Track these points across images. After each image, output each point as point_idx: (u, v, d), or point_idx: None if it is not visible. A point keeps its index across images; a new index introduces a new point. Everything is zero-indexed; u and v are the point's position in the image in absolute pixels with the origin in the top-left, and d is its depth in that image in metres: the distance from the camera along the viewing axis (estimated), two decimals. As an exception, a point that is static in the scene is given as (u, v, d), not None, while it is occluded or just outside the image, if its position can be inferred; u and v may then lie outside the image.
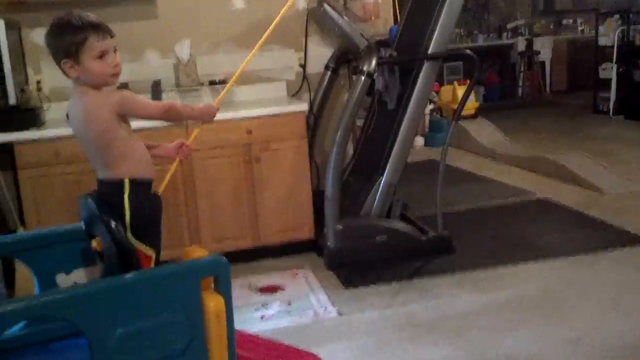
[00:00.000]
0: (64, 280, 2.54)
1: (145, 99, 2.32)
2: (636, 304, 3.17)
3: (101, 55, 2.12)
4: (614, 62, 8.45)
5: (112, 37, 2.17)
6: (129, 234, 2.20)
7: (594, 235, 4.18)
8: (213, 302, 2.02)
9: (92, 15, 2.15)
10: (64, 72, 2.14)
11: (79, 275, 2.57)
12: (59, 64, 2.14)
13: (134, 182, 2.23)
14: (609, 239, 4.06)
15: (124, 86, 4.00)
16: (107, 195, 2.23)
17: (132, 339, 1.85)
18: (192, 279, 2.02)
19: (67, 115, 2.33)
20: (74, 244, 2.58)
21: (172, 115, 2.35)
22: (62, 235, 2.60)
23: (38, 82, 4.11)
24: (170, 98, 4.25)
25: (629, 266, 3.65)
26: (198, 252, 2.22)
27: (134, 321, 1.94)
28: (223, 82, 4.30)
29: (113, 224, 2.15)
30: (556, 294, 3.35)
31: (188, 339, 1.92)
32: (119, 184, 2.21)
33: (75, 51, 2.09)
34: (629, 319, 3.02)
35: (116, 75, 2.19)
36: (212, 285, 2.09)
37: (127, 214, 2.20)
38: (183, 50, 4.28)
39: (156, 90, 4.08)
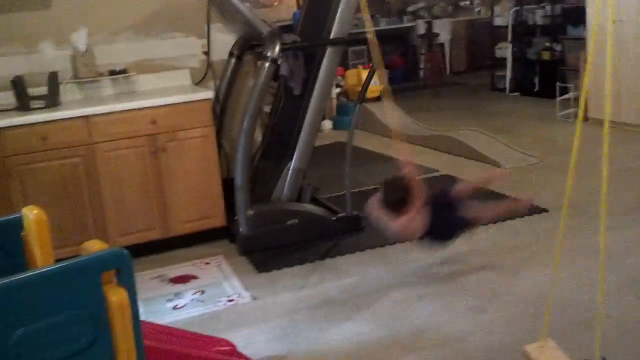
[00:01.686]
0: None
1: None
2: (534, 270, 3.37)
3: None
4: (509, 41, 8.83)
5: None
6: None
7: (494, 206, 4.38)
8: (116, 296, 1.99)
9: None
10: None
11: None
12: None
13: None
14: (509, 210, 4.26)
15: (19, 79, 3.85)
16: None
17: (34, 339, 1.80)
18: (92, 273, 1.99)
19: None
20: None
21: None
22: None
23: None
24: (69, 90, 4.12)
25: (526, 234, 3.86)
26: (97, 246, 2.18)
27: (34, 320, 1.89)
28: (123, 71, 4.20)
29: None
30: (460, 265, 3.51)
31: (92, 335, 1.89)
32: None
33: None
34: (529, 284, 3.21)
35: None
36: (115, 278, 2.06)
37: None
38: (80, 39, 4.13)
39: (52, 82, 3.93)
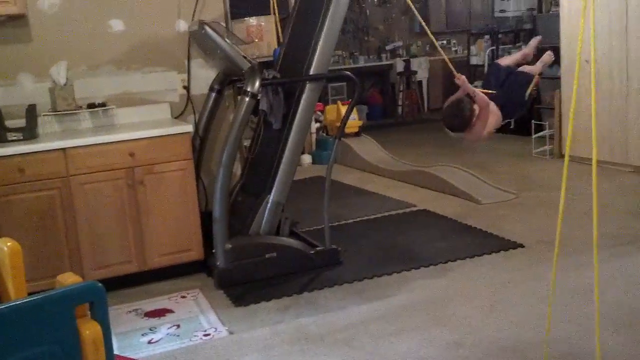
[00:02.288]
0: None
1: None
2: (512, 304, 3.39)
3: None
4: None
5: None
6: None
7: (471, 242, 4.42)
8: (89, 330, 1.97)
9: None
10: None
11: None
12: None
13: None
14: (485, 245, 4.31)
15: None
16: None
17: (6, 373, 1.77)
18: (65, 306, 1.96)
19: None
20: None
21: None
22: None
23: None
24: (47, 122, 4.11)
25: (504, 269, 3.89)
26: (71, 279, 2.16)
27: (6, 355, 1.85)
28: (102, 105, 4.21)
29: None
30: (438, 299, 3.51)
31: (65, 370, 1.86)
32: None
33: None
34: (505, 319, 3.22)
35: None
36: (89, 312, 2.04)
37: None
38: (59, 73, 4.14)
39: (31, 115, 3.92)
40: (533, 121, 7.34)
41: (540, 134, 7.11)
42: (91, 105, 4.20)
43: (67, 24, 4.17)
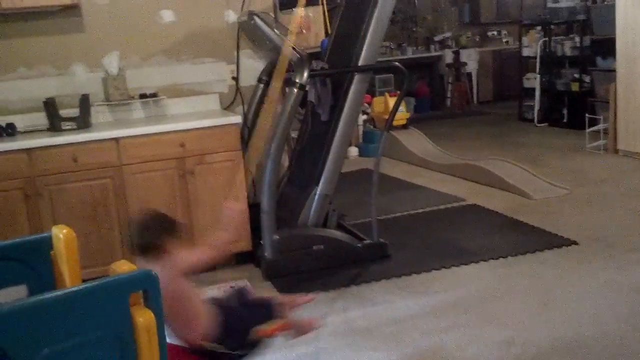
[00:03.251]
0: (-14, 300, 2.45)
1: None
2: (565, 302, 3.30)
3: None
4: (537, 72, 8.79)
5: None
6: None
7: (522, 238, 4.32)
8: (143, 317, 1.98)
9: None
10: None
11: (4, 295, 2.48)
12: None
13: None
14: (536, 242, 4.20)
15: (51, 101, 3.92)
16: None
17: (60, 359, 1.79)
18: (119, 294, 1.98)
19: None
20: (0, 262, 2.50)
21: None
22: (-14, 254, 2.51)
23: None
24: (100, 112, 4.17)
25: (556, 267, 3.79)
26: (126, 267, 2.18)
27: (60, 340, 1.88)
28: (153, 95, 4.25)
29: None
30: (488, 296, 3.44)
31: (118, 356, 1.88)
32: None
33: None
34: (557, 318, 3.14)
35: None
36: (142, 300, 2.06)
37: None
38: (112, 63, 4.20)
39: (84, 105, 3.99)
40: (587, 114, 7.15)
41: (594, 128, 6.91)
42: (143, 96, 4.25)
43: (119, 14, 4.23)
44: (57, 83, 4.12)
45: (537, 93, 8.81)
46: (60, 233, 2.42)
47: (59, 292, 2.11)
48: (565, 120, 8.40)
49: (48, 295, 1.95)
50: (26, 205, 3.61)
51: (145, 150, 3.77)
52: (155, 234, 2.38)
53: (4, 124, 3.89)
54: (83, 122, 3.94)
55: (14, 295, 2.47)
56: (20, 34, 4.05)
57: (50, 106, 3.92)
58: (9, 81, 4.06)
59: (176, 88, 4.35)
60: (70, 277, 2.34)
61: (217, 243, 2.51)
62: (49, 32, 4.10)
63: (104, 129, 3.88)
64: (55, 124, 3.89)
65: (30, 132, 3.93)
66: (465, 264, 3.90)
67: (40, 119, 4.02)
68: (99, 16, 4.19)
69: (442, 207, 5.26)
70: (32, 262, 2.54)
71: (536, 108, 8.85)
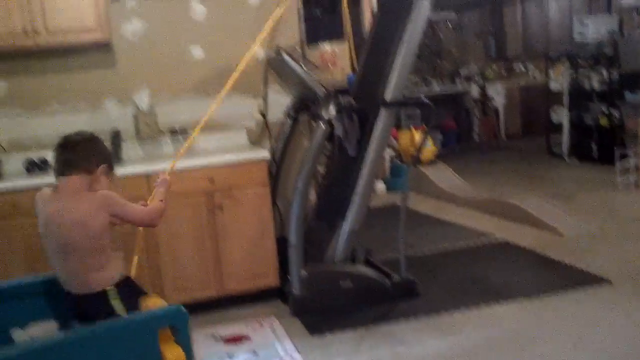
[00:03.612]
0: (19, 335, 2.47)
1: (131, 204, 2.41)
2: (598, 343, 3.21)
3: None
4: (565, 106, 8.72)
5: None
6: None
7: (554, 276, 4.24)
8: (172, 354, 1.98)
9: None
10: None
11: (35, 330, 2.50)
12: None
13: (119, 285, 2.34)
14: (568, 280, 4.12)
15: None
16: (91, 310, 2.32)
17: (91, 394, 1.79)
18: (149, 330, 1.98)
19: None
20: (31, 298, 2.53)
21: (156, 215, 2.50)
22: (18, 289, 2.54)
23: (-5, 134, 4.05)
24: (130, 147, 4.21)
25: (589, 306, 3.70)
26: (157, 302, 2.18)
27: (90, 376, 1.88)
28: (184, 131, 4.29)
29: None
30: (521, 336, 3.37)
31: (148, 392, 1.87)
32: (103, 295, 2.32)
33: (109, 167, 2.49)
34: (591, 359, 3.05)
35: None
36: (172, 336, 2.05)
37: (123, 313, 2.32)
38: (142, 99, 4.27)
39: (116, 140, 4.04)
40: (616, 149, 7.05)
41: (625, 163, 6.80)
42: (172, 131, 4.29)
43: (149, 51, 4.30)
44: (89, 118, 4.18)
45: (566, 127, 8.72)
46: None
47: (89, 328, 2.12)
48: (594, 155, 8.30)
49: (78, 331, 1.95)
50: (56, 239, 3.63)
51: (175, 185, 3.75)
52: (87, 152, 2.38)
53: (37, 159, 3.95)
54: (114, 157, 3.98)
55: (45, 330, 2.49)
56: (54, 70, 4.14)
57: (82, 141, 3.97)
58: (42, 116, 4.14)
59: (205, 124, 4.38)
60: (100, 313, 2.34)
61: (149, 205, 2.54)
62: (81, 69, 4.18)
63: (135, 163, 3.91)
64: (86, 159, 3.93)
65: (62, 166, 3.98)
66: (496, 303, 3.82)
67: (72, 153, 4.08)
68: (130, 53, 4.26)
69: (471, 243, 5.19)
70: (63, 298, 2.55)
71: (565, 142, 8.76)
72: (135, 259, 2.84)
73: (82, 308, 2.35)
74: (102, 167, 2.37)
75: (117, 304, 2.30)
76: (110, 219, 2.31)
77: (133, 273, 2.67)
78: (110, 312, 2.30)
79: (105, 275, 2.33)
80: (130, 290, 2.38)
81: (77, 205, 2.30)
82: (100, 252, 2.32)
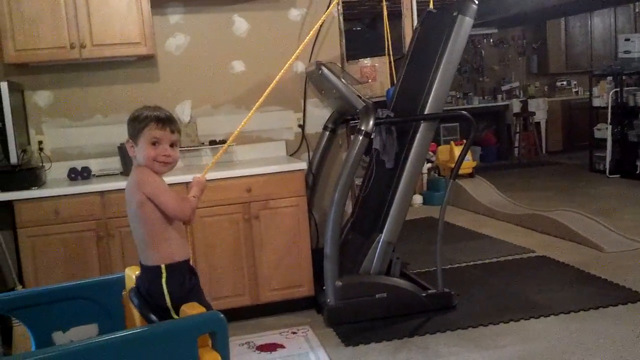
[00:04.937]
0: (60, 338, 2.53)
1: (168, 191, 2.40)
2: (640, 361, 3.13)
3: (154, 142, 2.35)
4: (608, 122, 8.58)
5: (173, 132, 2.40)
6: (174, 315, 2.34)
7: (595, 292, 4.15)
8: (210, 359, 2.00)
9: (163, 111, 2.42)
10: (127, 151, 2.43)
11: (75, 334, 2.55)
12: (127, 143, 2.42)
13: (170, 268, 2.35)
14: (610, 296, 4.03)
15: (125, 147, 4.07)
16: (147, 281, 2.38)
17: (129, 398, 1.82)
18: (188, 336, 2.01)
19: None
20: (71, 302, 2.58)
21: (186, 209, 2.43)
22: (59, 293, 2.59)
23: (40, 143, 4.17)
24: (171, 157, 4.29)
25: (630, 323, 3.61)
26: (195, 309, 2.21)
27: (130, 381, 1.91)
28: (223, 141, 4.36)
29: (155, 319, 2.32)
30: (558, 352, 3.30)
31: (185, 397, 1.90)
32: (157, 270, 2.35)
33: (136, 134, 2.36)
34: (633, 376, 2.98)
35: (164, 164, 2.38)
36: (210, 342, 2.07)
37: (167, 300, 2.34)
38: (184, 111, 4.37)
39: (157, 150, 4.12)
40: (662, 166, 6.90)
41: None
42: (212, 142, 4.37)
43: (192, 64, 4.40)
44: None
45: (609, 144, 8.58)
46: (133, 274, 2.49)
47: (128, 332, 2.16)
48: (638, 172, 8.13)
49: (118, 335, 2.00)
50: (97, 246, 3.73)
51: (214, 195, 3.85)
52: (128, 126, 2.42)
53: (79, 168, 4.06)
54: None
55: (85, 334, 2.54)
56: (98, 82, 4.26)
57: (124, 151, 4.06)
58: (86, 127, 4.26)
59: (244, 135, 4.45)
60: (140, 317, 2.39)
61: (186, 197, 2.52)
62: (125, 81, 4.30)
63: (175, 174, 3.98)
64: (128, 168, 4.03)
65: (104, 175, 4.09)
66: (535, 318, 3.76)
67: (114, 163, 4.19)
68: (173, 66, 4.37)
69: (510, 258, 5.13)
70: (103, 302, 2.61)
71: (608, 159, 8.60)
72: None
73: (141, 278, 2.41)
74: (128, 142, 2.41)
75: (165, 286, 2.34)
76: (145, 199, 2.34)
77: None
78: (159, 291, 2.34)
79: (160, 253, 2.36)
80: (185, 280, 2.39)
81: (130, 178, 2.41)
82: (149, 229, 2.35)
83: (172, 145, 2.40)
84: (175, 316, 2.34)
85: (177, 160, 2.44)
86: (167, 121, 2.39)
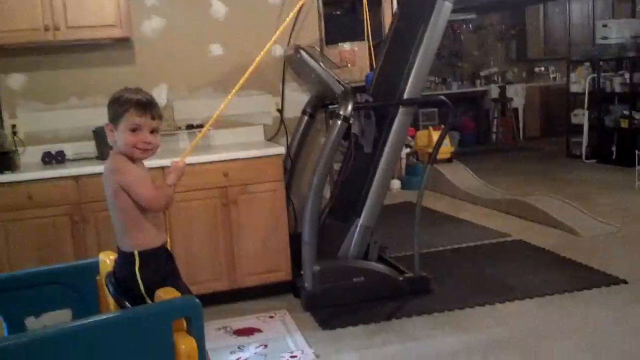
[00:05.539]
0: (33, 323, 2.50)
1: (142, 182, 2.35)
2: (613, 344, 3.18)
3: (134, 129, 2.28)
4: (585, 108, 8.65)
5: (153, 118, 2.33)
6: (148, 302, 2.29)
7: (569, 276, 4.21)
8: (185, 344, 2.00)
9: (144, 94, 2.35)
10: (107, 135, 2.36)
11: (49, 319, 2.53)
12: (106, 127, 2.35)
13: (143, 254, 2.32)
14: (585, 280, 4.09)
15: (100, 130, 4.01)
16: (121, 267, 2.35)
17: (102, 383, 1.81)
18: (163, 321, 2.00)
19: None
20: (44, 287, 2.55)
21: (160, 201, 2.38)
22: (32, 278, 2.57)
23: (13, 127, 4.10)
24: (147, 142, 4.25)
25: (605, 306, 3.67)
26: (170, 294, 2.20)
27: (104, 363, 1.90)
28: (200, 126, 4.32)
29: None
30: (533, 335, 3.35)
31: (160, 382, 1.89)
32: (130, 257, 2.31)
33: (116, 119, 2.29)
34: (606, 359, 3.02)
35: (143, 151, 2.32)
36: (185, 327, 2.06)
37: (141, 286, 2.30)
38: (160, 95, 4.31)
39: (133, 134, 4.08)
40: (637, 151, 6.97)
41: (645, 165, 6.73)
42: (189, 127, 4.33)
43: (168, 47, 4.34)
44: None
45: (586, 129, 8.66)
46: (107, 259, 2.47)
47: (102, 317, 2.15)
48: (614, 157, 8.22)
49: (91, 320, 1.98)
50: (72, 231, 3.69)
51: (190, 179, 3.81)
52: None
53: (54, 152, 4.01)
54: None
55: (59, 318, 2.52)
56: (73, 65, 4.19)
57: (99, 135, 4.01)
58: (60, 110, 4.19)
59: (222, 119, 4.40)
60: (115, 302, 2.37)
61: (162, 186, 2.47)
62: (100, 64, 4.23)
63: (151, 158, 3.94)
64: (103, 152, 3.98)
65: (79, 159, 4.04)
66: (510, 301, 3.81)
67: (90, 147, 4.14)
68: (149, 49, 4.31)
69: (486, 242, 5.17)
70: (77, 287, 2.59)
71: (584, 144, 8.69)
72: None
73: (117, 264, 2.38)
74: (108, 126, 2.34)
75: (137, 272, 2.30)
76: (119, 188, 2.30)
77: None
78: (132, 277, 2.31)
79: (133, 240, 2.33)
80: (158, 267, 2.36)
81: (106, 164, 2.36)
82: (124, 216, 2.32)
83: (152, 131, 2.34)
84: (149, 303, 2.32)
85: (158, 146, 2.38)
86: (148, 106, 2.32)
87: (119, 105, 2.31)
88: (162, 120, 2.47)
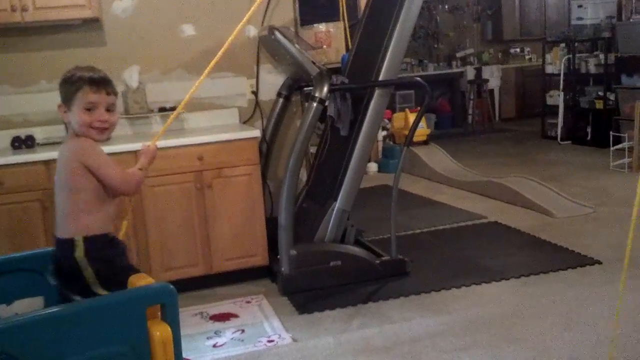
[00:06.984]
0: (4, 311, 2.45)
1: (112, 164, 2.29)
2: (588, 323, 3.21)
3: (89, 108, 2.21)
4: (560, 89, 8.70)
5: (109, 94, 2.26)
6: (99, 290, 2.24)
7: (545, 257, 4.24)
8: (159, 331, 1.97)
9: (97, 71, 2.26)
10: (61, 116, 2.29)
11: (20, 307, 2.48)
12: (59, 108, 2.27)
13: (88, 240, 2.26)
14: (560, 261, 4.12)
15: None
16: (66, 256, 2.27)
17: (76, 371, 1.77)
18: (137, 307, 1.97)
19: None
20: (16, 274, 2.50)
21: (131, 182, 2.35)
22: (3, 265, 2.52)
23: (-19, 111, 4.00)
24: (119, 125, 4.16)
25: (580, 286, 3.70)
26: (143, 280, 2.16)
27: (77, 352, 1.86)
28: (173, 109, 4.24)
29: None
30: (509, 316, 3.37)
31: (135, 369, 1.86)
32: (71, 243, 2.25)
33: (69, 99, 2.22)
34: (579, 339, 3.05)
35: (101, 130, 2.25)
36: (159, 314, 2.03)
37: (91, 273, 2.24)
38: (132, 77, 4.22)
39: (105, 117, 4.00)
40: (611, 133, 7.04)
41: (619, 146, 6.80)
42: (162, 109, 4.26)
43: (139, 28, 4.25)
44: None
45: (561, 110, 8.71)
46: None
47: (74, 305, 2.11)
48: (589, 138, 8.30)
49: (63, 307, 1.94)
50: (43, 216, 3.62)
51: (164, 163, 3.75)
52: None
53: (23, 136, 3.92)
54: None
55: (30, 306, 2.47)
56: (41, 47, 4.09)
57: (70, 119, 3.93)
58: (29, 94, 4.09)
59: (196, 102, 4.34)
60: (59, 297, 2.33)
61: (130, 170, 2.44)
62: (70, 46, 4.13)
63: (123, 142, 3.88)
64: (74, 137, 3.90)
65: (49, 144, 3.95)
66: (486, 283, 3.82)
67: (60, 131, 4.04)
68: (119, 30, 4.21)
69: (462, 224, 5.19)
70: (49, 274, 2.53)
71: (559, 126, 8.75)
72: (124, 223, 2.79)
73: (55, 253, 2.31)
74: (61, 107, 2.28)
75: (81, 259, 2.23)
76: (81, 169, 2.24)
77: (121, 236, 2.62)
78: (74, 265, 2.23)
79: (78, 224, 2.25)
80: (104, 252, 2.29)
81: (66, 146, 2.30)
82: (77, 198, 2.25)
83: (108, 109, 2.28)
84: (100, 290, 2.26)
85: (115, 124, 2.31)
86: (102, 82, 2.25)
87: (71, 84, 2.23)
88: (117, 97, 2.40)
